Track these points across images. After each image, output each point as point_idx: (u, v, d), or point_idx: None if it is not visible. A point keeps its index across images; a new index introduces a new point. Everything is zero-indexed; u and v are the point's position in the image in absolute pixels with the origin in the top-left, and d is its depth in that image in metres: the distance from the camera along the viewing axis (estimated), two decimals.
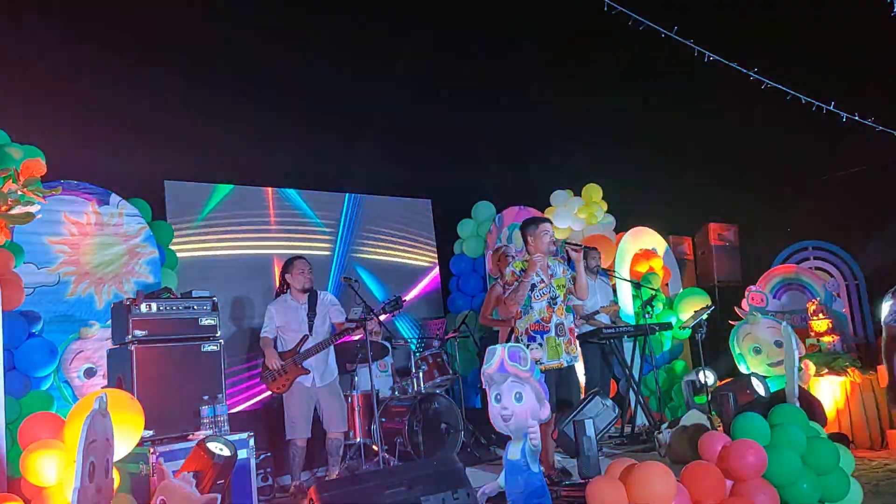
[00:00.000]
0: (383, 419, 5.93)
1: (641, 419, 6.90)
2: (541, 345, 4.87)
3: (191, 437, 4.30)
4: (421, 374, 6.31)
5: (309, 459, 5.66)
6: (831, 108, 6.06)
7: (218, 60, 6.96)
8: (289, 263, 5.54)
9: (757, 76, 5.81)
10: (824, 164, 8.90)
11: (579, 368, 6.60)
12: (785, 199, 9.07)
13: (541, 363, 4.76)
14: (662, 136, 9.03)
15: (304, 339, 5.31)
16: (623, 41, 6.26)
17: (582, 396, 5.14)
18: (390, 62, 8.16)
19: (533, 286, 4.93)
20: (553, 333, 4.90)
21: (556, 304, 4.97)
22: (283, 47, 7.51)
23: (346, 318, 5.58)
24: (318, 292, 5.54)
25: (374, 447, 5.78)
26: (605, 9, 5.21)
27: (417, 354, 6.56)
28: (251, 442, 4.44)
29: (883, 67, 7.61)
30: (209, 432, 4.23)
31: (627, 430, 6.88)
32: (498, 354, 3.62)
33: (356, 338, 5.34)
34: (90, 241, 5.81)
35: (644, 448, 6.18)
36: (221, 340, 4.76)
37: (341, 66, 7.96)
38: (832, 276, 8.10)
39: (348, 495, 3.31)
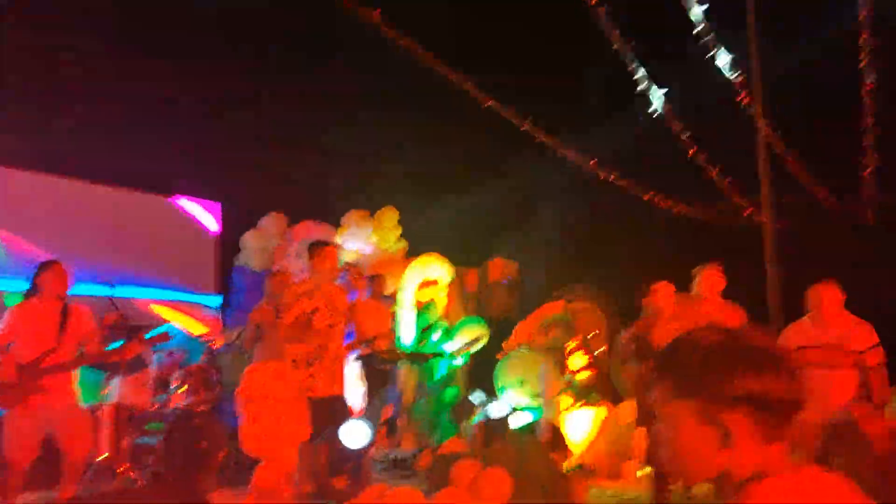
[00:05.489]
0: (135, 436, 5.48)
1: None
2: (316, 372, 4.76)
3: None
4: (184, 389, 5.93)
5: (43, 478, 5.05)
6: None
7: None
8: (43, 265, 4.85)
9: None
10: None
11: (360, 393, 6.61)
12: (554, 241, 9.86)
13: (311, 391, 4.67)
14: (455, 171, 9.46)
15: (49, 351, 4.66)
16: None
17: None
18: (193, 63, 7.81)
19: (315, 310, 4.79)
20: (328, 361, 4.81)
21: (333, 330, 4.87)
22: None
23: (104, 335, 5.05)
24: (72, 306, 4.88)
25: (122, 466, 5.31)
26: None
27: (181, 368, 6.16)
28: None
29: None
30: None
31: (395, 455, 6.93)
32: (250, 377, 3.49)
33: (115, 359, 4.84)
34: None
35: (408, 474, 6.24)
36: None
37: (141, 61, 7.49)
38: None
39: None
